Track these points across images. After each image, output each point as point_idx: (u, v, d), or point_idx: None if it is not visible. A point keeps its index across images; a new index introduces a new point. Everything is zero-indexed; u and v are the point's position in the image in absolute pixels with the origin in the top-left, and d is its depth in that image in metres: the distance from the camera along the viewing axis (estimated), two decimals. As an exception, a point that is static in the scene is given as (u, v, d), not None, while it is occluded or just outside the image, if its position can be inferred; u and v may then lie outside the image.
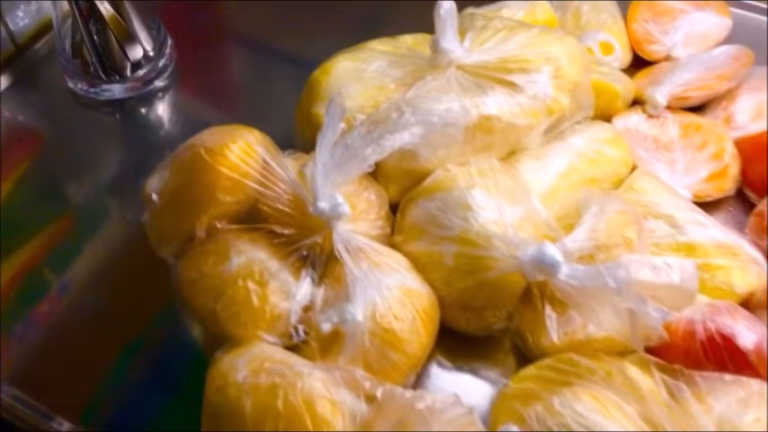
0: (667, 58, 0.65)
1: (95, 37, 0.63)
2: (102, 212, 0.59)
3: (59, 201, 0.60)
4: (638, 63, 0.67)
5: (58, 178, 0.62)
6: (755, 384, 0.41)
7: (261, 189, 0.47)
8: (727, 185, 0.57)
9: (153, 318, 0.52)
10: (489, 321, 0.48)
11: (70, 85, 0.66)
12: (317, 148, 0.45)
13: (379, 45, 0.57)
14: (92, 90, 0.65)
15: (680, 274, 0.41)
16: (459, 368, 0.50)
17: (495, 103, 0.52)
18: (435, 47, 0.53)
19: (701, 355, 0.44)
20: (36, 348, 0.51)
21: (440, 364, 0.50)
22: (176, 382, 0.49)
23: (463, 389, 0.48)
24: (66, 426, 0.47)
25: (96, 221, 0.58)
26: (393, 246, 0.50)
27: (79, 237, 0.57)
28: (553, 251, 0.43)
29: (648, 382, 0.42)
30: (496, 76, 0.53)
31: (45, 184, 0.62)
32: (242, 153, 0.47)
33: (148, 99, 0.66)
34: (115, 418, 0.48)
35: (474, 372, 0.49)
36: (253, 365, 0.42)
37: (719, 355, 0.44)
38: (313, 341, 0.45)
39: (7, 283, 0.54)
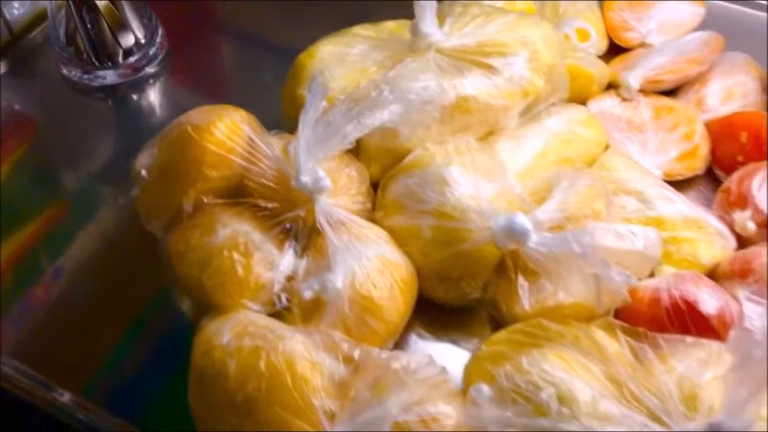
0: (642, 45, 0.67)
1: (88, 25, 0.65)
2: (95, 195, 0.61)
3: (54, 185, 0.62)
4: (615, 50, 0.69)
5: (53, 162, 0.64)
6: (714, 346, 0.43)
7: (246, 165, 0.49)
8: (697, 165, 0.59)
9: (151, 297, 0.54)
10: (465, 291, 0.50)
11: (64, 71, 0.68)
12: (300, 125, 0.47)
13: (361, 30, 0.59)
14: (85, 76, 0.67)
15: (643, 241, 0.44)
16: (437, 338, 0.51)
17: (473, 84, 0.54)
18: (415, 31, 0.55)
19: (665, 320, 0.46)
20: (36, 327, 0.52)
21: (419, 335, 0.51)
22: (174, 358, 0.50)
23: (442, 358, 0.50)
24: (67, 396, 0.49)
25: (89, 204, 0.60)
26: (374, 221, 0.52)
27: (73, 219, 0.59)
28: (523, 220, 0.45)
29: (614, 344, 0.44)
30: (474, 59, 0.55)
31: (40, 168, 0.63)
32: (228, 130, 0.49)
33: (140, 85, 0.68)
34: (114, 393, 0.49)
35: (452, 342, 0.51)
36: (237, 330, 0.44)
37: (683, 321, 0.46)
38: (295, 308, 0.47)
39: (5, 265, 0.55)
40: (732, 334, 0.37)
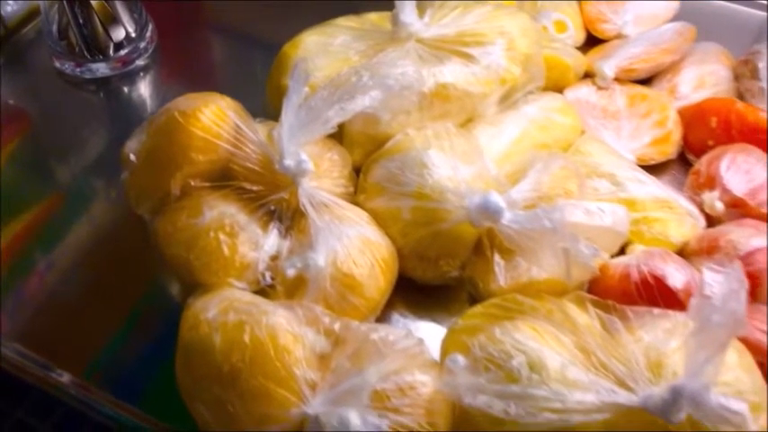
0: (618, 37, 0.69)
1: (81, 20, 0.67)
2: (87, 185, 0.63)
3: (48, 176, 0.64)
4: (592, 41, 0.71)
5: (47, 154, 0.65)
6: (680, 316, 0.44)
7: (232, 149, 0.51)
8: (670, 150, 0.61)
9: (147, 283, 0.56)
10: (444, 270, 0.51)
11: (57, 65, 0.70)
12: (283, 110, 0.49)
13: (344, 21, 0.61)
14: (77, 69, 0.69)
15: (612, 217, 0.46)
16: (419, 317, 0.53)
17: (452, 72, 0.56)
18: (395, 21, 0.57)
19: (635, 295, 0.48)
20: (33, 315, 0.54)
21: (401, 315, 0.53)
22: (170, 340, 0.50)
23: (423, 335, 0.51)
24: (66, 377, 0.50)
25: (84, 194, 0.62)
26: (356, 204, 0.54)
27: (68, 209, 0.61)
28: (497, 198, 0.47)
29: (585, 317, 0.46)
30: (453, 48, 0.57)
31: (34, 159, 0.65)
32: (214, 116, 0.51)
33: (130, 77, 0.70)
34: (112, 377, 0.51)
35: (433, 320, 0.53)
36: (222, 305, 0.45)
37: (652, 294, 0.48)
38: (279, 286, 0.49)
39: (3, 255, 0.57)
40: (692, 301, 0.39)
